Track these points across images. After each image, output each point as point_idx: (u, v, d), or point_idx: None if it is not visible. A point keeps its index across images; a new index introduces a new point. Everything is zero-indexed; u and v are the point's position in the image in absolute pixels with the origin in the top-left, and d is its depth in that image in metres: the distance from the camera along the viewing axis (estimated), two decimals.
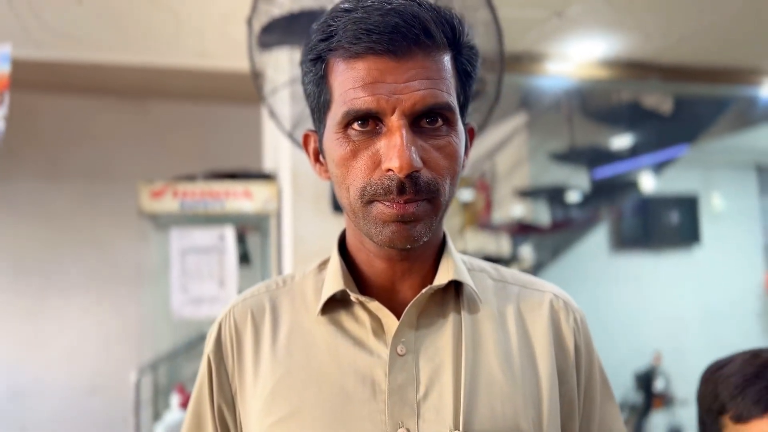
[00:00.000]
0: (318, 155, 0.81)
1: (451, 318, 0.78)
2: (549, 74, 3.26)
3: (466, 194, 5.04)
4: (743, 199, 5.90)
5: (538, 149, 4.52)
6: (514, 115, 4.38)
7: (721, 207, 5.84)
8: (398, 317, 0.76)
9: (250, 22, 1.92)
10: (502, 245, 4.74)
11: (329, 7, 1.91)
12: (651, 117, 4.24)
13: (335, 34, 0.71)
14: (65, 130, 4.01)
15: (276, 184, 2.51)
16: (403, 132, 0.68)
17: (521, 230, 4.61)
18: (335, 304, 0.80)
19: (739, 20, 2.91)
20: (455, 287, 0.80)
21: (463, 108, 0.77)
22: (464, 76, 0.76)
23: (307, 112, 2.09)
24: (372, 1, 0.70)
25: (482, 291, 0.82)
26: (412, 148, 0.68)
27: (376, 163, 0.70)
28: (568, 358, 0.81)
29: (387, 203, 0.70)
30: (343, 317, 0.79)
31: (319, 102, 0.76)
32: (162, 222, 2.61)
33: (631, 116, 4.29)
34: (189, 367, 4.03)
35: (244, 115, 3.91)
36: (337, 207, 2.25)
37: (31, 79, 3.42)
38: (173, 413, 2.50)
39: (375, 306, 0.77)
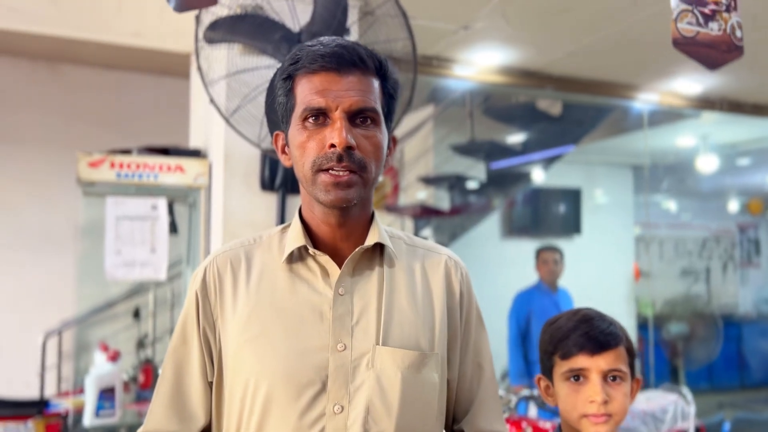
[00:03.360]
0: (284, 148, 1.11)
1: (376, 270, 1.10)
2: (455, 77, 3.66)
3: None
4: (620, 194, 6.53)
5: (442, 141, 4.93)
6: (423, 108, 4.75)
7: (601, 201, 6.46)
8: (340, 268, 1.06)
9: (197, 18, 2.17)
10: (406, 227, 5.12)
11: (265, 6, 2.21)
12: (543, 118, 4.73)
13: (300, 60, 1.04)
14: None
15: (207, 161, 2.76)
16: (343, 121, 1.01)
17: (423, 213, 5.00)
18: (294, 257, 1.09)
19: (616, 43, 3.41)
20: (380, 249, 1.11)
21: (387, 118, 1.08)
22: (389, 97, 1.09)
23: (243, 102, 2.36)
24: (327, 40, 1.05)
25: (398, 252, 1.13)
26: (348, 132, 1.00)
27: (323, 144, 1.01)
28: (455, 299, 1.15)
29: (328, 175, 1.00)
30: (300, 267, 1.09)
31: (287, 108, 1.07)
32: (95, 190, 2.79)
33: (526, 116, 4.77)
34: (98, 331, 4.13)
35: (168, 87, 4.02)
36: (265, 186, 2.54)
37: None
38: (101, 367, 2.72)
39: (324, 259, 1.07)
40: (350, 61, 1.03)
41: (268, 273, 1.11)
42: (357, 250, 1.08)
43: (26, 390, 3.87)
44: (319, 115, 1.02)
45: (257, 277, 1.11)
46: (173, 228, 2.95)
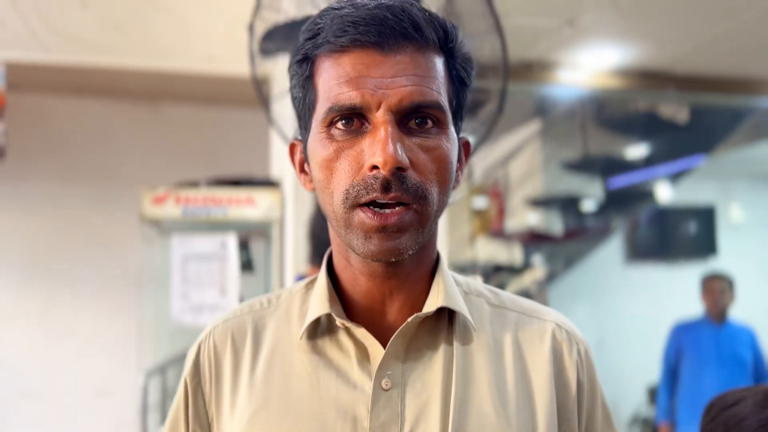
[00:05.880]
0: (303, 165, 0.76)
1: (442, 349, 0.72)
2: (561, 83, 3.21)
3: (478, 202, 4.99)
4: (762, 210, 5.79)
5: (551, 158, 4.47)
6: (528, 122, 4.33)
7: (739, 218, 5.73)
8: (385, 345, 0.70)
9: (251, 28, 1.90)
10: (514, 254, 4.69)
11: None
12: (667, 127, 4.17)
13: (321, 31, 0.68)
14: (76, 132, 4.02)
15: (280, 191, 2.49)
16: (388, 127, 0.64)
17: (534, 239, 4.56)
18: (319, 329, 0.74)
19: (755, 29, 2.85)
20: (448, 313, 0.74)
21: (456, 115, 0.73)
22: (458, 82, 0.72)
23: None
24: (362, 0, 0.68)
25: (478, 317, 0.76)
26: (398, 143, 0.64)
27: (361, 164, 0.66)
28: (570, 394, 0.75)
29: (369, 213, 0.65)
30: (327, 344, 0.74)
31: (304, 105, 0.71)
32: (164, 228, 2.60)
33: (647, 126, 4.22)
34: None
35: (255, 119, 3.90)
36: None
37: (39, 81, 3.43)
38: None
39: (361, 333, 0.71)
40: (400, 30, 0.66)
41: (281, 354, 0.74)
42: (411, 319, 0.70)
43: (132, 429, 3.81)
44: (353, 118, 0.66)
45: (266, 361, 0.75)
46: (250, 266, 2.71)
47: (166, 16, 2.70)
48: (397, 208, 0.65)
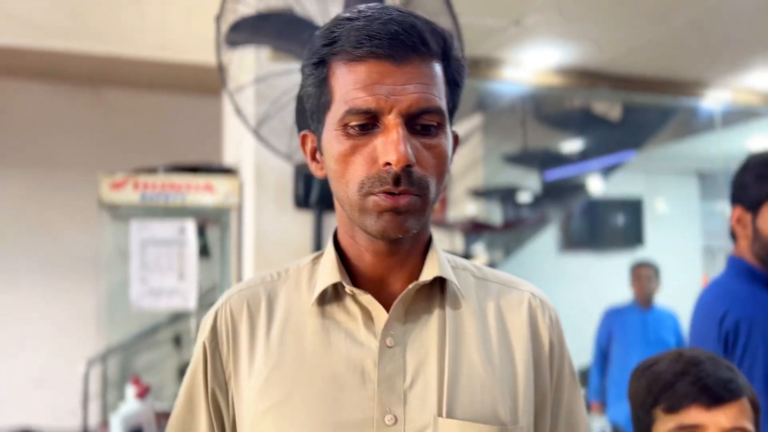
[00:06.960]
0: (314, 154, 0.86)
1: (436, 313, 0.84)
2: (505, 80, 3.37)
3: None
4: (685, 203, 6.14)
5: (492, 151, 4.65)
6: (470, 117, 4.49)
7: (664, 210, 6.06)
8: (387, 310, 0.81)
9: (218, 20, 1.96)
10: (456, 243, 4.85)
11: (296, 7, 1.98)
12: (600, 123, 4.41)
13: (338, 40, 0.77)
14: (16, 115, 3.93)
15: (238, 178, 2.54)
16: (400, 129, 0.75)
17: (474, 229, 4.72)
18: (328, 296, 0.85)
19: (684, 35, 3.08)
20: (440, 284, 0.86)
21: (450, 114, 0.83)
22: (453, 84, 0.83)
23: (272, 111, 2.14)
24: (372, 12, 0.78)
25: (465, 288, 0.88)
26: (408, 144, 0.75)
27: (374, 159, 0.76)
28: (543, 352, 0.88)
29: (382, 196, 0.76)
30: (335, 310, 0.84)
31: (319, 103, 0.81)
32: (121, 213, 2.62)
33: (582, 122, 4.45)
34: (139, 359, 3.99)
35: (204, 106, 3.91)
36: (299, 203, 2.30)
37: None
38: (129, 404, 2.51)
39: (367, 299, 0.82)
40: (409, 43, 0.76)
41: (293, 319, 0.85)
42: (410, 287, 0.82)
43: (71, 418, 3.77)
44: (367, 120, 0.77)
45: (280, 325, 0.85)
46: (205, 251, 2.76)
47: (125, 3, 2.70)
48: (407, 195, 0.77)
